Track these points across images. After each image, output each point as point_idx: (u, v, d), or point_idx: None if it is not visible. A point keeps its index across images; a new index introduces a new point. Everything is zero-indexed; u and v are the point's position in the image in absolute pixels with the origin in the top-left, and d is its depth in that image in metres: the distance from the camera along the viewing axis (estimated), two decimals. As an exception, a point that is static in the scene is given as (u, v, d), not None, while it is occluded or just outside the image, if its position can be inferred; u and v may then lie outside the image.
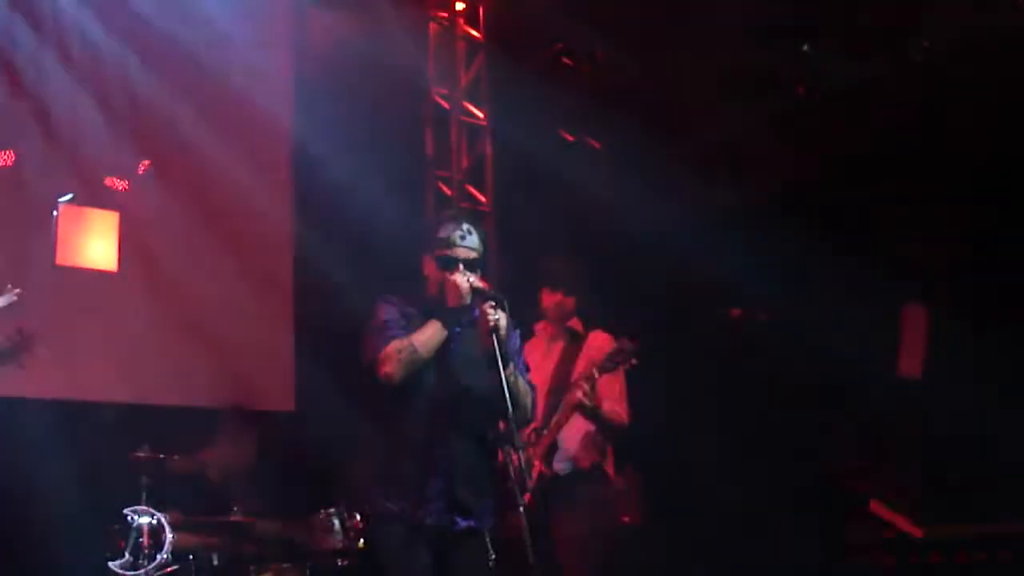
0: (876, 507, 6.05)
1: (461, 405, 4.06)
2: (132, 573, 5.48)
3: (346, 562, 5.75)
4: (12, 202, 6.49)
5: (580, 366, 5.19)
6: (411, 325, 4.08)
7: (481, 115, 8.14)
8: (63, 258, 6.62)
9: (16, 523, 5.96)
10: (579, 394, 4.98)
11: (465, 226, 4.16)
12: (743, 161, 7.62)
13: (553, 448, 5.12)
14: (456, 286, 4.03)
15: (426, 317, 4.08)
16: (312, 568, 5.75)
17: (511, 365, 4.01)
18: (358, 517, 5.78)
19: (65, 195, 6.70)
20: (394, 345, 3.99)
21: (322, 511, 5.80)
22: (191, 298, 6.84)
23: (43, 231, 6.57)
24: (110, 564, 5.50)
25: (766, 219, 7.02)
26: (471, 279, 4.04)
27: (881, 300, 6.95)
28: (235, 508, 5.76)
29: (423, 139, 8.03)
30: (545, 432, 5.08)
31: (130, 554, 5.51)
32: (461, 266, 4.07)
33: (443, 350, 4.07)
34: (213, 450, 6.19)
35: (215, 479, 6.09)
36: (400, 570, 4.02)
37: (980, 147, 6.66)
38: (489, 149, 8.12)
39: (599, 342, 5.25)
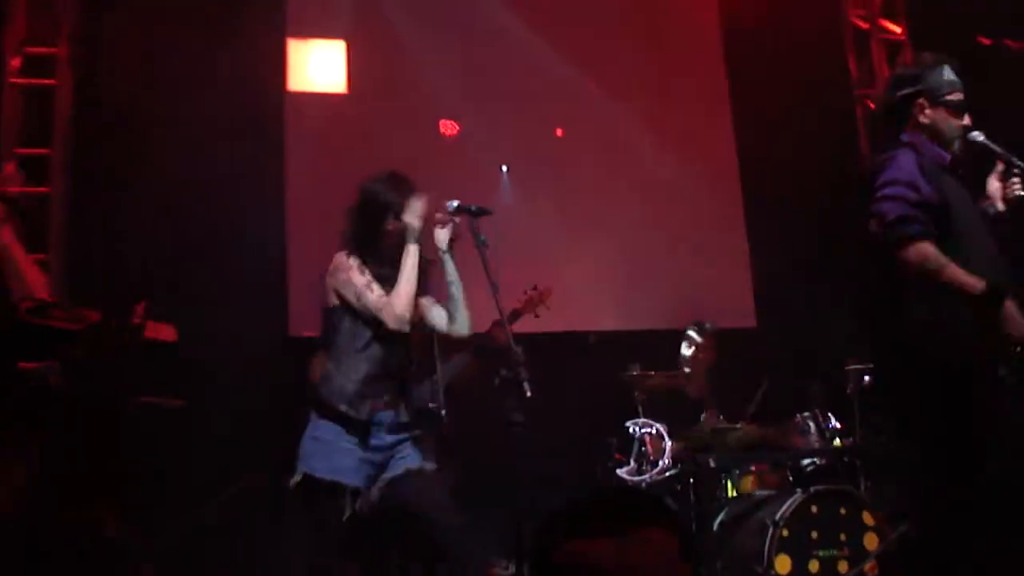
0: None
1: None
2: (637, 478, 5.99)
3: (824, 462, 5.98)
4: (459, 165, 7.34)
5: None
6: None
7: (899, 30, 8.25)
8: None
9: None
10: None
11: (953, 68, 3.94)
12: None
13: None
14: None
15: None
16: (791, 469, 6.03)
17: None
18: (833, 419, 6.08)
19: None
20: None
21: (797, 415, 6.11)
22: (655, 236, 7.67)
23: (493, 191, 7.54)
24: (617, 471, 6.03)
25: None
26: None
27: None
28: (720, 416, 6.21)
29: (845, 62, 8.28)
30: None
31: (634, 461, 6.04)
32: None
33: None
34: (686, 367, 6.60)
35: (692, 393, 6.51)
36: None
37: None
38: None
39: None
